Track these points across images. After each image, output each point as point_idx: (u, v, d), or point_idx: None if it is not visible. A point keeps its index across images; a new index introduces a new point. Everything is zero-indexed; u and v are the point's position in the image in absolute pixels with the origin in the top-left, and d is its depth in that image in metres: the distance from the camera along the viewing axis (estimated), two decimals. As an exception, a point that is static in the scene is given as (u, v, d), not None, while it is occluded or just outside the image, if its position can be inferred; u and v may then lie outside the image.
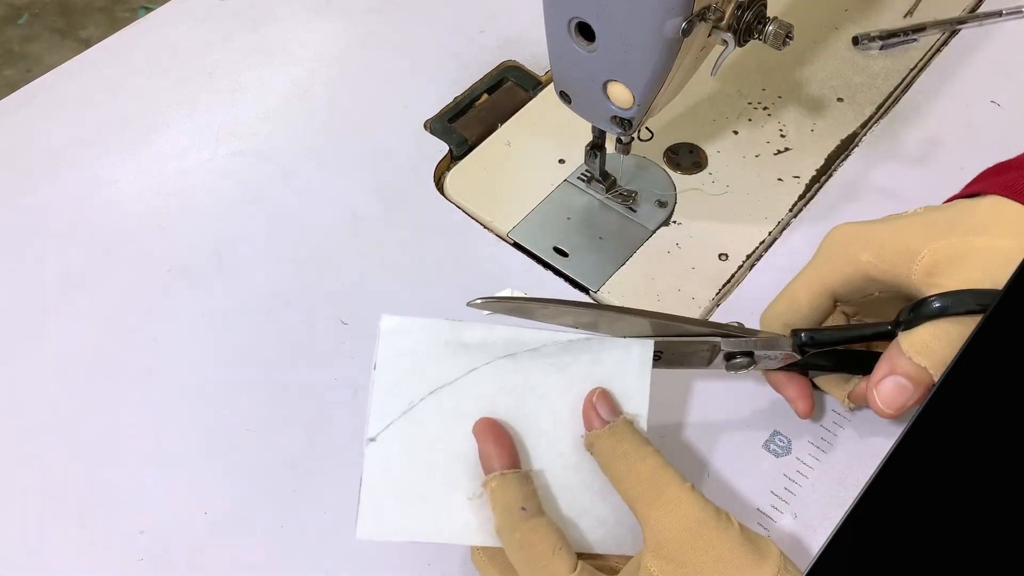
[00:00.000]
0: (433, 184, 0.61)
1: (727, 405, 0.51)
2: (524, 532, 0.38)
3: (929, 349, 0.41)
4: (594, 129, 0.55)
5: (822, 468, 0.48)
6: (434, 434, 0.41)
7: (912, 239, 0.43)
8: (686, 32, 0.43)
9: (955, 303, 0.40)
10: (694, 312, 0.55)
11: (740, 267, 0.57)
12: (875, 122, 0.64)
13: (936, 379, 0.41)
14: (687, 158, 0.62)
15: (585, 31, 0.47)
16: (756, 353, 0.44)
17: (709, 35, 0.46)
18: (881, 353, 0.43)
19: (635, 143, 0.58)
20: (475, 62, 0.68)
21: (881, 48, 0.68)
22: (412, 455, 0.41)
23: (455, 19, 0.71)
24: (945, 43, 0.69)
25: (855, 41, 0.68)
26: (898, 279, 0.44)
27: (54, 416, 0.51)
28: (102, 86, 0.67)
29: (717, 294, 0.56)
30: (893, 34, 0.68)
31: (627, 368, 0.42)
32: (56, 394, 0.52)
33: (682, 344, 0.43)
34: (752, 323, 0.47)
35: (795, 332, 0.45)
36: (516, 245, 0.58)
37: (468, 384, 0.41)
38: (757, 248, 0.57)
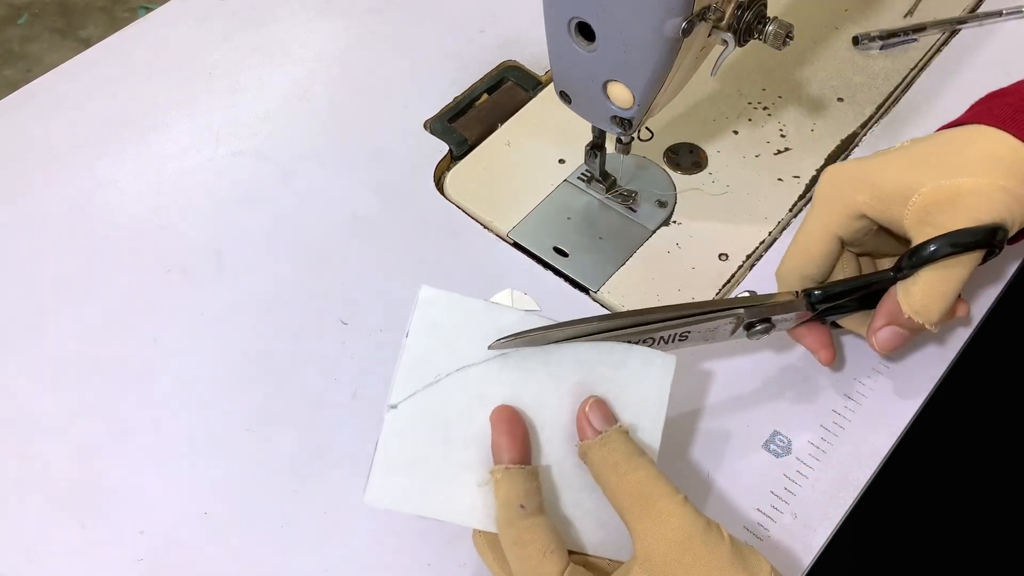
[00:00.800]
0: (433, 184, 0.61)
1: (727, 406, 0.51)
2: (519, 530, 0.38)
3: (922, 305, 0.43)
4: (594, 129, 0.55)
5: (822, 468, 0.48)
6: (455, 412, 0.41)
7: (903, 178, 0.45)
8: (686, 32, 0.43)
9: (943, 246, 0.42)
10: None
11: (740, 267, 0.57)
12: (875, 122, 0.64)
13: (928, 327, 0.44)
14: (687, 158, 0.62)
15: (585, 31, 0.47)
16: (773, 318, 0.46)
17: (709, 35, 0.46)
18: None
19: (635, 143, 0.59)
20: (475, 62, 0.68)
21: (881, 48, 0.68)
22: (430, 429, 0.41)
23: (455, 19, 0.71)
24: (945, 43, 0.69)
25: (855, 41, 0.68)
26: (892, 220, 0.45)
27: (54, 416, 0.51)
28: (102, 86, 0.67)
29: (717, 294, 0.56)
30: (893, 34, 0.68)
31: (647, 378, 0.42)
32: (56, 394, 0.52)
33: (706, 319, 0.44)
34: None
35: (807, 292, 0.46)
36: (516, 245, 0.58)
37: (495, 368, 0.41)
38: (757, 248, 0.57)
